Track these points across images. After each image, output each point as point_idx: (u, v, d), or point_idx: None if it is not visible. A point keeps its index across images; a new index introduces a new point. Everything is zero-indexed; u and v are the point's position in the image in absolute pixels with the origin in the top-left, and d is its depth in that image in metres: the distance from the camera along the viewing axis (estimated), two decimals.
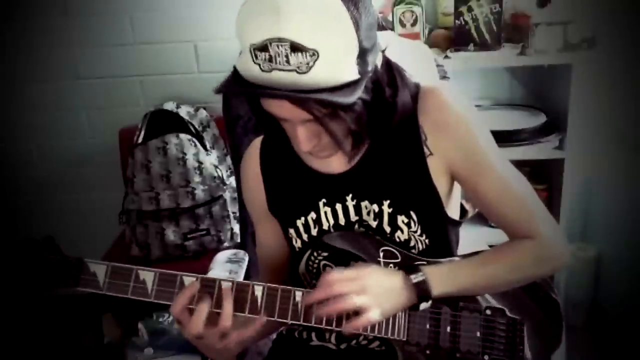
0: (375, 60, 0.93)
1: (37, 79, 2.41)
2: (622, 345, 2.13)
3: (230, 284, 0.98)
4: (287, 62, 0.83)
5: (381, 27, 2.06)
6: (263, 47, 0.83)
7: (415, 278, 0.96)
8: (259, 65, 0.84)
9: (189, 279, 0.98)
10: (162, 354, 2.09)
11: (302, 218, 1.10)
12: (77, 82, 2.41)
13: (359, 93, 0.88)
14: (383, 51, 0.97)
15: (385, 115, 0.99)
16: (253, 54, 0.84)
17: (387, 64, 1.00)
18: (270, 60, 0.83)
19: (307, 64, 0.83)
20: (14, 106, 2.45)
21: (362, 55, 0.88)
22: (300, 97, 0.84)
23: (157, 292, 0.98)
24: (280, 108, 0.90)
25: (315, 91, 0.84)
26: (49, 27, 2.33)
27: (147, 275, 0.99)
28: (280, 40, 0.82)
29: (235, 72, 0.89)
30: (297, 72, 0.83)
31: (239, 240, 2.12)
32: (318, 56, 0.83)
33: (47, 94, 2.43)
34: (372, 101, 0.94)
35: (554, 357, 1.08)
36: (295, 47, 0.82)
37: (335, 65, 0.85)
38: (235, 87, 0.90)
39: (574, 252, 2.24)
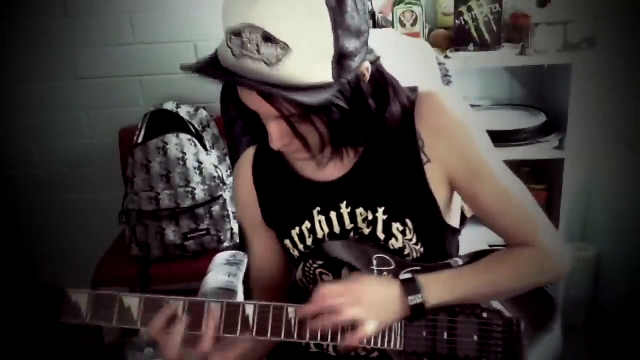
0: (359, 68, 0.90)
1: (37, 79, 2.41)
2: (622, 345, 2.13)
3: (220, 305, 0.95)
4: (258, 51, 0.81)
5: (381, 27, 2.06)
6: (237, 32, 0.81)
7: (413, 301, 0.94)
8: (232, 49, 0.83)
9: (175, 303, 0.95)
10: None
11: (297, 228, 1.07)
12: (77, 82, 2.41)
13: (326, 96, 0.85)
14: (376, 61, 0.94)
15: (371, 127, 0.97)
16: (228, 37, 0.83)
17: (381, 75, 0.97)
18: (242, 46, 0.81)
19: (277, 57, 0.81)
20: (14, 106, 2.45)
21: (340, 59, 0.85)
22: (260, 88, 0.82)
23: (144, 319, 0.95)
24: (251, 100, 0.87)
25: (284, 87, 0.82)
26: (49, 27, 2.33)
27: (132, 302, 0.96)
28: (252, 27, 0.80)
29: (214, 56, 0.87)
30: (266, 64, 0.81)
31: (238, 240, 2.12)
32: (289, 50, 0.81)
33: (47, 94, 2.43)
34: (352, 110, 0.90)
35: (554, 357, 1.07)
36: (267, 38, 0.80)
37: (307, 64, 0.82)
38: (206, 68, 0.87)
39: (574, 252, 2.24)
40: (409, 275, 0.96)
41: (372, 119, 0.96)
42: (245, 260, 1.57)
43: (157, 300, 0.96)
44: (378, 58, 0.95)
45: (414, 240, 1.02)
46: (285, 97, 0.82)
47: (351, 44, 0.86)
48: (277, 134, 0.91)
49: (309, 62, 0.83)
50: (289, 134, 0.91)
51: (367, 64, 0.92)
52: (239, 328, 0.95)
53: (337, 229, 1.06)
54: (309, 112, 0.86)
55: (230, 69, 0.84)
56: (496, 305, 1.02)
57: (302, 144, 0.92)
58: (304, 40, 0.81)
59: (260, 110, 0.89)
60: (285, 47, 0.81)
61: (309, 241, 1.07)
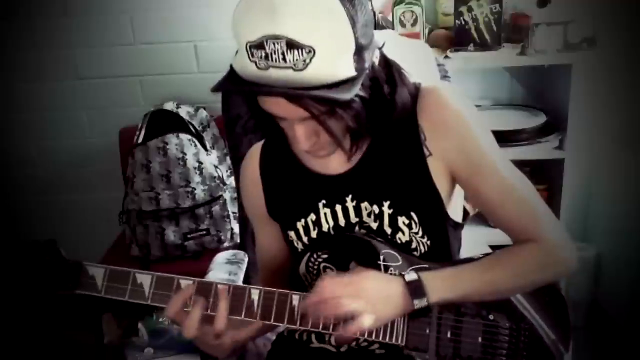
0: (372, 57, 0.93)
1: (37, 79, 2.41)
2: (622, 345, 2.13)
3: (227, 287, 0.98)
4: (283, 59, 0.82)
5: (381, 27, 2.06)
6: (259, 45, 0.83)
7: (418, 304, 0.94)
8: (255, 63, 0.84)
9: (185, 282, 0.99)
10: (162, 354, 2.09)
11: (302, 220, 1.09)
12: (77, 82, 2.41)
13: (356, 90, 0.88)
14: (380, 48, 0.97)
15: (384, 112, 0.98)
16: (249, 52, 0.84)
17: (385, 61, 0.99)
18: (266, 57, 0.83)
19: (304, 61, 0.83)
20: (14, 106, 2.45)
21: (359, 52, 0.88)
22: (296, 94, 0.84)
23: (154, 295, 0.99)
24: (277, 106, 0.89)
25: (312, 88, 0.84)
26: (49, 27, 2.33)
27: (145, 279, 0.99)
28: (276, 37, 0.82)
29: (232, 71, 0.89)
30: (294, 70, 0.83)
31: (238, 240, 2.12)
32: (314, 53, 0.82)
33: (47, 94, 2.43)
34: (371, 99, 0.93)
35: None
36: (291, 44, 0.82)
37: (332, 62, 0.85)
38: (232, 85, 0.90)
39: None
40: (415, 276, 0.96)
41: (385, 105, 0.98)
42: (246, 260, 1.57)
43: (167, 278, 0.99)
44: (382, 45, 0.98)
45: (420, 234, 1.03)
46: (320, 97, 0.84)
47: (366, 35, 0.88)
48: (304, 135, 0.93)
49: (333, 60, 0.85)
50: (315, 133, 0.94)
51: (377, 52, 0.95)
52: (243, 311, 0.97)
53: (342, 222, 1.07)
54: (338, 107, 0.88)
55: (255, 80, 0.86)
56: (524, 310, 1.02)
57: (333, 139, 0.94)
58: (327, 40, 0.83)
59: (286, 114, 0.91)
60: (311, 50, 0.82)
61: (314, 233, 1.09)
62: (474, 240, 1.22)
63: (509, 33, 2.06)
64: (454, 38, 2.05)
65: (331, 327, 0.95)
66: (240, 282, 1.47)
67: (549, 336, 1.02)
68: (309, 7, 0.82)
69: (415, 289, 0.95)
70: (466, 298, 0.99)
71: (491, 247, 1.26)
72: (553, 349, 1.02)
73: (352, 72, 0.87)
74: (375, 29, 0.95)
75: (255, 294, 0.98)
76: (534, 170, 2.12)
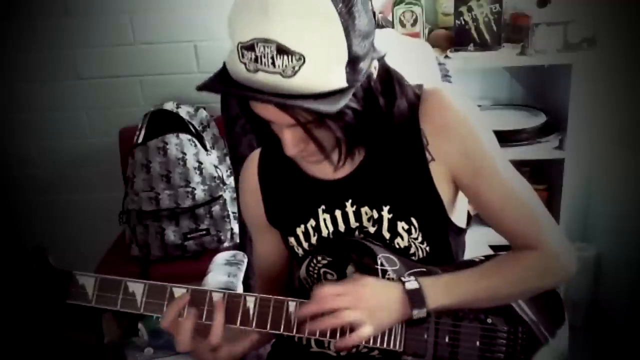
0: (369, 69, 0.90)
1: (37, 79, 2.41)
2: (622, 345, 2.13)
3: (221, 295, 0.96)
4: (273, 64, 0.81)
5: (381, 27, 2.07)
6: (250, 47, 0.81)
7: (417, 315, 0.94)
8: (245, 64, 0.83)
9: (178, 291, 0.97)
10: (162, 354, 2.08)
11: (302, 226, 1.07)
12: (77, 82, 2.41)
13: (344, 102, 0.85)
14: (381, 59, 0.95)
15: (379, 124, 0.97)
16: (240, 53, 0.83)
17: (386, 72, 0.97)
18: (256, 60, 0.81)
19: (293, 68, 0.81)
20: (14, 106, 2.45)
21: (353, 63, 0.85)
22: (280, 102, 0.82)
23: (147, 304, 0.98)
24: (266, 110, 0.88)
25: (299, 97, 0.82)
26: (49, 27, 2.34)
27: (137, 287, 0.98)
28: (266, 41, 0.80)
29: (223, 70, 0.88)
30: (282, 76, 0.81)
31: (238, 240, 2.12)
32: (304, 61, 0.80)
33: (47, 94, 2.43)
34: (364, 110, 0.91)
35: (555, 357, 1.06)
36: (281, 50, 0.80)
37: (322, 71, 0.82)
38: (219, 85, 0.88)
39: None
40: (415, 284, 0.95)
41: (381, 116, 0.96)
42: (245, 260, 1.57)
43: (160, 287, 0.98)
44: (383, 55, 0.96)
45: (420, 239, 1.02)
46: (305, 108, 0.83)
47: (362, 47, 0.86)
48: (292, 141, 0.92)
49: (324, 70, 0.83)
50: (304, 139, 0.92)
51: (375, 63, 0.92)
52: (239, 319, 0.96)
53: (341, 228, 1.06)
54: (325, 117, 0.87)
55: (244, 83, 0.84)
56: (518, 310, 1.01)
57: (319, 148, 0.92)
58: (318, 49, 0.81)
59: (275, 119, 0.89)
60: (301, 58, 0.80)
61: (314, 239, 1.08)
62: (474, 241, 1.21)
63: (509, 33, 2.06)
64: (454, 38, 2.05)
65: (328, 334, 0.94)
66: (239, 284, 1.47)
67: (544, 337, 1.02)
68: (302, 13, 0.80)
69: (415, 298, 0.94)
70: (464, 304, 0.98)
71: (491, 247, 1.26)
72: (543, 341, 1.02)
73: (343, 83, 0.85)
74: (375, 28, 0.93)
75: (250, 302, 0.96)
76: (534, 170, 2.13)
